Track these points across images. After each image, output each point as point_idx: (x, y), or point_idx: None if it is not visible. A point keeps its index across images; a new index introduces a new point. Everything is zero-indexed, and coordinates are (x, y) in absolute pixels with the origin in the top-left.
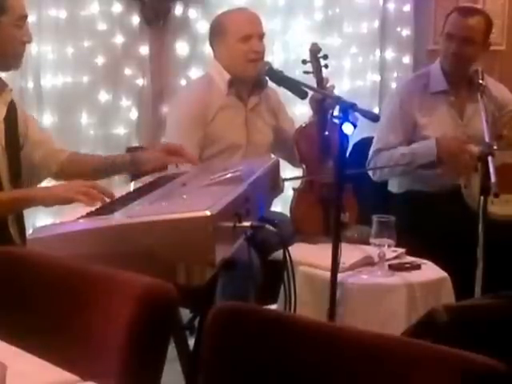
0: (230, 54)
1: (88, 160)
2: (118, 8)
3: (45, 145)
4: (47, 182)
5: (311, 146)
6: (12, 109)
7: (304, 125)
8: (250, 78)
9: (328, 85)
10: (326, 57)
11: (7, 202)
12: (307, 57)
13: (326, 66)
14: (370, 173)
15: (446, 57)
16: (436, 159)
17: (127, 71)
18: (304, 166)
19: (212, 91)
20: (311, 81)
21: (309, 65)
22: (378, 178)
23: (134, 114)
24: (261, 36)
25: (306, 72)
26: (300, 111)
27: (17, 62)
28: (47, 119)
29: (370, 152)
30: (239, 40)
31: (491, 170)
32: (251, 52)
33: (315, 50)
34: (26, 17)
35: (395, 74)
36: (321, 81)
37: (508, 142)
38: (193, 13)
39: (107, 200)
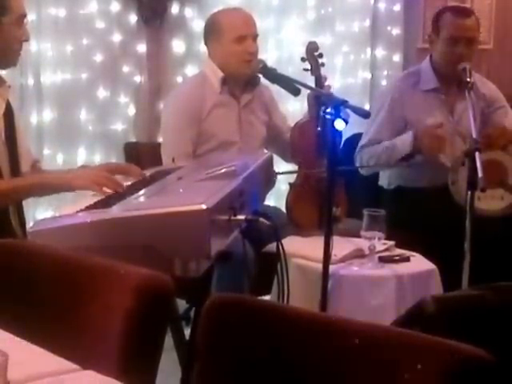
0: (224, 54)
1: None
2: (115, 7)
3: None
4: None
5: (307, 141)
6: (9, 105)
7: (301, 121)
8: (244, 77)
9: (326, 83)
10: (320, 55)
11: (25, 187)
12: (300, 55)
13: (323, 65)
14: (360, 169)
15: (448, 59)
16: (412, 148)
17: (125, 69)
18: (299, 161)
19: (206, 89)
20: (307, 78)
21: (307, 62)
22: (365, 172)
23: (131, 111)
24: (255, 37)
25: (305, 69)
26: (293, 108)
27: (14, 60)
28: (47, 115)
29: (357, 148)
30: (234, 40)
31: (478, 165)
32: (245, 53)
33: (312, 48)
34: (24, 16)
35: (385, 72)
36: (319, 78)
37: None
38: (189, 12)
39: (120, 190)
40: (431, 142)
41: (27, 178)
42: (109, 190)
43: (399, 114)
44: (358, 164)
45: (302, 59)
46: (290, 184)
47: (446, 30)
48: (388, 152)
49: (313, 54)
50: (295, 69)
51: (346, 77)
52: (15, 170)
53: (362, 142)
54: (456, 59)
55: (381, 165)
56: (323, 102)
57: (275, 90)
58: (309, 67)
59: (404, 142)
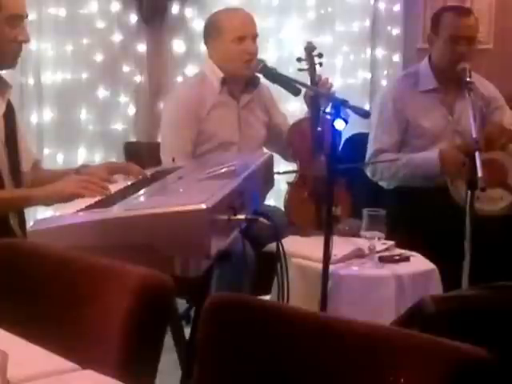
0: (224, 54)
1: (42, 171)
2: (116, 7)
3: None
4: None
5: (305, 140)
6: (10, 105)
7: (298, 120)
8: (243, 77)
9: (323, 78)
10: (321, 55)
11: (8, 200)
12: (300, 54)
13: (321, 64)
14: (369, 174)
15: (449, 59)
16: (439, 173)
17: (125, 68)
18: (298, 161)
19: (205, 89)
20: (307, 78)
21: (303, 62)
22: (378, 180)
23: (131, 110)
24: (254, 37)
25: (300, 69)
26: (293, 107)
27: (10, 61)
28: (47, 115)
29: (368, 153)
30: (233, 40)
31: (478, 164)
32: (245, 53)
33: (310, 48)
34: (21, 16)
35: (385, 72)
36: (314, 78)
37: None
38: (189, 11)
39: (106, 192)
40: (455, 167)
41: (7, 192)
42: (97, 193)
43: (402, 115)
44: (371, 174)
45: (298, 59)
46: (288, 183)
47: (447, 29)
48: (410, 169)
49: (310, 54)
50: (295, 69)
51: (346, 77)
52: (15, 170)
53: (374, 147)
54: (457, 58)
55: (399, 175)
56: (319, 101)
57: (275, 90)
58: (304, 67)
59: (430, 162)
